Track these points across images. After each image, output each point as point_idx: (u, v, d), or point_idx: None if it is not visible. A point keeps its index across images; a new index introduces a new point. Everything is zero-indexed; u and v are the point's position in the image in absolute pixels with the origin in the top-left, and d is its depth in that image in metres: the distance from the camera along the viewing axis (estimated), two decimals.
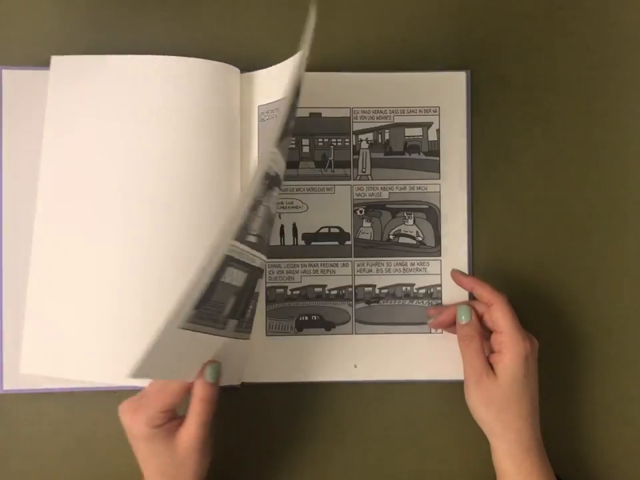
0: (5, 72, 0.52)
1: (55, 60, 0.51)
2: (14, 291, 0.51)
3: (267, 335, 0.53)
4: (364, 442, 0.53)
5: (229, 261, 0.40)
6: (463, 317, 0.49)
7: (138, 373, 0.37)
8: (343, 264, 0.53)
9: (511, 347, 0.47)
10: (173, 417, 0.45)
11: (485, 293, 0.49)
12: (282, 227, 0.53)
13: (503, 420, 0.47)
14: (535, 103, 0.54)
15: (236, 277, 0.42)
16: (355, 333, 0.53)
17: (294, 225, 0.53)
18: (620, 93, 0.55)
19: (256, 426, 0.53)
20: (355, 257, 0.53)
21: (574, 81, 0.54)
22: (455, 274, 0.51)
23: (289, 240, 0.53)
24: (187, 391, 0.44)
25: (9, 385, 0.51)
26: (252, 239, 0.43)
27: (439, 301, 0.53)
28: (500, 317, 0.47)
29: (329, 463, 0.53)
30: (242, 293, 0.44)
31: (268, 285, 0.53)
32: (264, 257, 0.46)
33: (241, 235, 0.40)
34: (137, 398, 0.45)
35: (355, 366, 0.53)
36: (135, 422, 0.44)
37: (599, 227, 0.54)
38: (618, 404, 0.54)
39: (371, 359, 0.53)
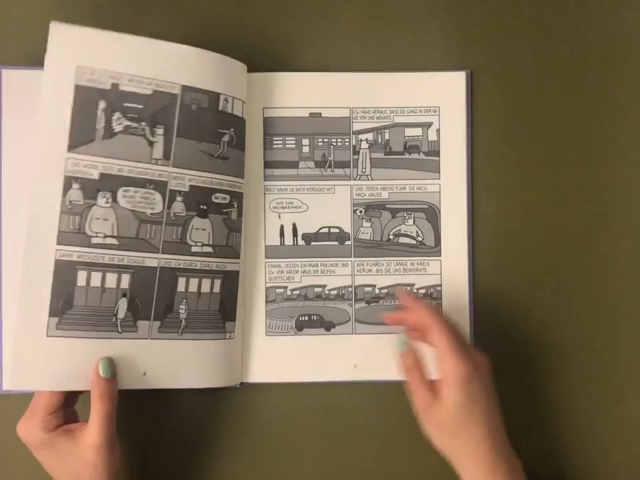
0: (4, 72, 0.51)
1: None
2: (14, 291, 0.50)
3: (266, 335, 0.53)
4: (363, 442, 0.53)
5: (72, 266, 0.45)
6: (398, 349, 0.48)
7: (14, 384, 0.43)
8: (343, 264, 0.53)
9: (449, 371, 0.45)
10: (71, 418, 0.45)
11: (420, 317, 0.47)
12: (282, 227, 0.53)
13: (456, 445, 0.46)
14: (534, 103, 0.54)
15: (107, 280, 0.46)
16: (355, 333, 0.53)
17: (294, 225, 0.53)
18: (620, 93, 0.55)
19: (256, 426, 0.53)
20: (354, 257, 0.53)
21: (574, 81, 0.54)
22: (399, 292, 0.51)
23: (288, 240, 0.53)
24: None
25: (8, 385, 0.51)
26: (109, 240, 0.46)
27: (439, 301, 0.53)
28: (437, 341, 0.45)
29: (328, 463, 0.53)
30: (142, 294, 0.47)
31: (268, 285, 0.53)
32: (160, 256, 0.47)
33: (76, 239, 0.45)
34: (28, 409, 0.45)
35: (355, 366, 0.53)
36: (28, 432, 0.44)
37: (599, 227, 0.54)
38: (613, 407, 0.54)
39: (371, 359, 0.53)
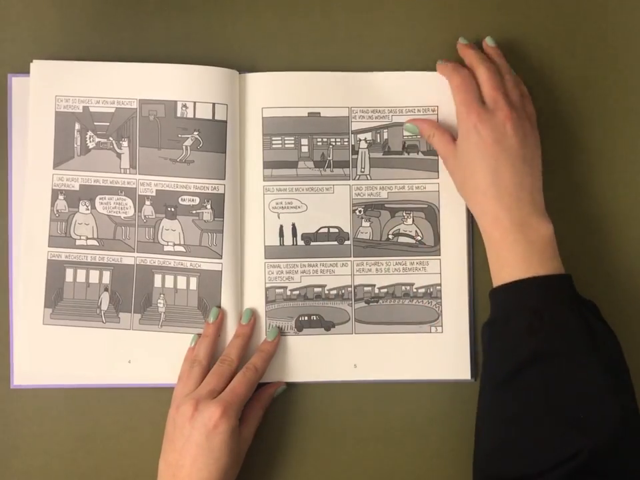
0: (14, 80, 0.53)
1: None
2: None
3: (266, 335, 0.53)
4: (363, 442, 0.53)
5: (61, 265, 0.52)
6: (410, 132, 0.53)
7: (19, 367, 0.51)
8: (342, 264, 0.53)
9: (458, 122, 0.49)
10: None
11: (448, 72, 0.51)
12: (281, 227, 0.53)
13: (466, 194, 0.49)
14: (534, 102, 0.53)
15: (91, 276, 0.52)
16: (355, 333, 0.53)
17: (293, 225, 0.53)
18: (620, 93, 0.54)
19: None
20: (354, 256, 0.53)
21: (574, 80, 0.54)
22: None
23: (288, 240, 0.53)
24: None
25: (19, 381, 0.53)
26: (90, 242, 0.52)
27: (439, 300, 0.52)
28: (453, 96, 0.50)
29: (328, 463, 0.53)
30: (122, 288, 0.52)
31: (267, 285, 0.53)
32: (135, 254, 0.52)
33: (63, 242, 0.52)
34: (227, 399, 0.47)
35: (355, 366, 0.53)
36: (232, 419, 0.47)
37: (600, 226, 0.53)
38: None
39: (371, 358, 0.53)
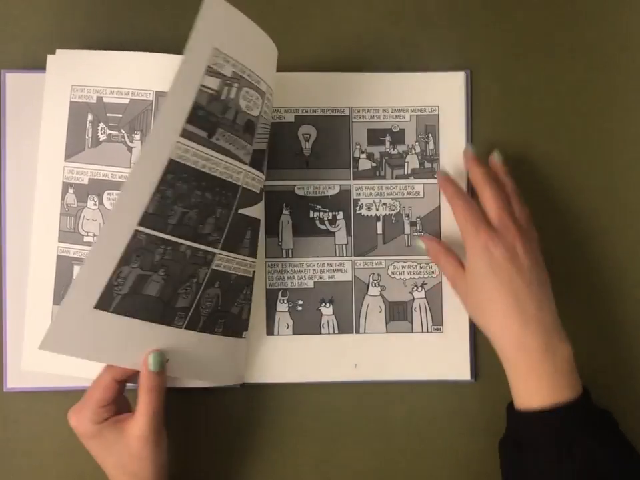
0: (8, 75, 0.52)
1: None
2: (17, 289, 0.51)
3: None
4: (363, 442, 0.53)
5: (69, 261, 0.49)
6: (419, 246, 0.52)
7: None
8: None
9: (466, 242, 0.47)
10: (120, 410, 0.45)
11: (447, 197, 0.50)
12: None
13: (483, 316, 0.47)
14: (534, 103, 0.54)
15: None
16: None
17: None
18: (620, 93, 0.54)
19: (256, 426, 0.53)
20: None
21: (574, 81, 0.54)
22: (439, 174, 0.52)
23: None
24: (118, 383, 0.45)
25: (12, 383, 0.52)
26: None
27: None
28: (456, 219, 0.49)
29: (328, 463, 0.53)
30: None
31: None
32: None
33: (72, 238, 0.49)
34: (82, 399, 0.45)
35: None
36: (79, 422, 0.44)
37: (601, 225, 0.54)
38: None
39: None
